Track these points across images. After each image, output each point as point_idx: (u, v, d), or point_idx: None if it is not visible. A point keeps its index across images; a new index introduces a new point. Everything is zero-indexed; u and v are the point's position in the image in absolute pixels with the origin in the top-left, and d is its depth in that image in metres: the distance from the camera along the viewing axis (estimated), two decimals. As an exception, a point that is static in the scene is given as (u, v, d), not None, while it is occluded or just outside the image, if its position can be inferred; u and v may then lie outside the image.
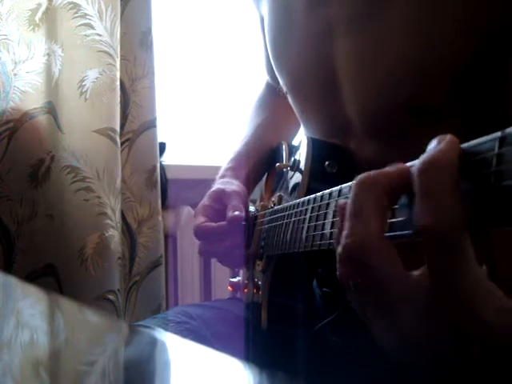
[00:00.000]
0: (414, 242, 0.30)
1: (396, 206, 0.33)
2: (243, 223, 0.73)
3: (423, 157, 0.29)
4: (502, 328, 0.27)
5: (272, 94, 0.93)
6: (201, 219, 0.74)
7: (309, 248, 0.49)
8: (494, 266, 0.30)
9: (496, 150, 0.26)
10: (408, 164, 0.32)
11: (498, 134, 0.27)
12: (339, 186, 0.44)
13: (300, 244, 0.52)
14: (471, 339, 0.28)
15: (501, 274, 0.31)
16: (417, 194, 0.29)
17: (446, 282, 0.28)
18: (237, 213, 0.71)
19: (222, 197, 0.75)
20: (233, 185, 0.78)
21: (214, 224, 0.73)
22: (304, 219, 0.51)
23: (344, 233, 0.32)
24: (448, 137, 0.29)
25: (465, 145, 0.29)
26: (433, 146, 0.29)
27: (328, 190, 0.46)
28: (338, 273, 0.34)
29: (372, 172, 0.32)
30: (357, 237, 0.31)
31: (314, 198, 0.50)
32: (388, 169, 0.33)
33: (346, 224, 0.32)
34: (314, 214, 0.49)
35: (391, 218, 0.33)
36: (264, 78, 0.95)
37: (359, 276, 0.32)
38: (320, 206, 0.47)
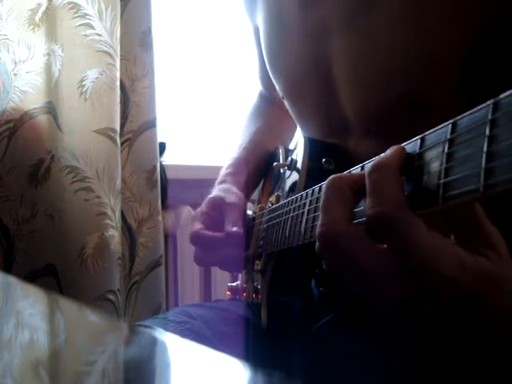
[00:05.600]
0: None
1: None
2: (240, 238, 0.72)
3: (372, 161, 0.36)
4: (467, 281, 0.33)
5: (266, 102, 0.93)
6: (197, 225, 0.73)
7: (308, 240, 0.49)
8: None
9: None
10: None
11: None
12: None
13: (299, 237, 0.52)
14: (434, 290, 0.33)
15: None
16: (366, 189, 0.35)
17: (398, 252, 0.34)
18: (235, 229, 0.70)
19: (221, 206, 0.74)
20: (232, 194, 0.76)
21: (209, 233, 0.72)
22: (303, 213, 0.51)
23: (317, 224, 0.37)
24: (397, 146, 0.36)
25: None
26: (382, 154, 0.36)
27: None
28: (323, 266, 0.39)
29: (338, 174, 0.39)
30: (327, 225, 0.37)
31: (312, 191, 0.50)
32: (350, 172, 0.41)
33: (319, 217, 0.38)
34: (313, 206, 0.49)
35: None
36: (257, 89, 0.96)
37: (337, 260, 0.37)
38: (318, 198, 0.48)
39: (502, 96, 0.28)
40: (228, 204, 0.74)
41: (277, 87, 0.73)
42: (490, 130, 0.28)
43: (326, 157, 0.62)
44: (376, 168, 0.35)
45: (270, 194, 0.78)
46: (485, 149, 0.28)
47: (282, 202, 0.63)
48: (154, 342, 0.32)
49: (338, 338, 0.64)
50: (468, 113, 0.31)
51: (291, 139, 0.91)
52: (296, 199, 0.56)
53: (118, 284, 1.06)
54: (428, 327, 0.35)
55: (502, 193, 0.27)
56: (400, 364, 0.54)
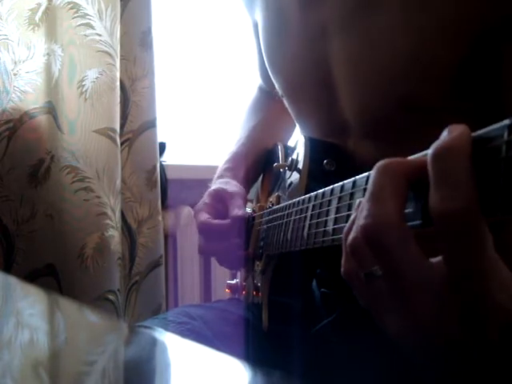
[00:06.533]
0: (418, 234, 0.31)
1: None
2: (244, 224, 0.73)
3: (436, 144, 0.29)
4: None
5: (265, 96, 0.93)
6: (204, 215, 0.74)
7: (311, 246, 0.49)
8: (505, 254, 0.29)
9: (505, 137, 0.26)
10: (421, 153, 0.32)
11: (507, 121, 0.27)
12: (341, 183, 0.43)
13: (302, 242, 0.51)
14: (488, 323, 0.28)
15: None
16: (432, 180, 0.28)
17: (462, 267, 0.27)
18: (241, 212, 0.72)
19: (223, 196, 0.75)
20: (232, 185, 0.78)
21: (217, 221, 0.73)
22: (305, 217, 0.51)
23: (362, 215, 0.31)
24: (459, 125, 0.29)
25: (474, 133, 0.29)
26: (445, 134, 0.29)
27: (329, 187, 0.46)
28: (344, 267, 0.34)
29: (392, 158, 0.32)
30: (376, 217, 0.30)
31: (315, 196, 0.49)
32: (407, 158, 0.33)
33: (364, 207, 0.31)
34: (316, 211, 0.48)
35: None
36: (257, 82, 0.96)
37: (375, 260, 0.31)
38: (321, 204, 0.47)
39: None
40: (230, 193, 0.75)
41: (276, 85, 0.73)
42: None
43: (328, 158, 0.62)
44: (446, 152, 0.28)
45: (270, 193, 0.78)
46: None
47: (283, 204, 0.63)
48: (154, 342, 0.32)
49: (340, 339, 0.64)
50: None
51: (291, 134, 0.91)
52: (298, 202, 0.55)
53: (118, 284, 1.06)
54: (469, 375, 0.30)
55: None
56: (402, 366, 0.54)
